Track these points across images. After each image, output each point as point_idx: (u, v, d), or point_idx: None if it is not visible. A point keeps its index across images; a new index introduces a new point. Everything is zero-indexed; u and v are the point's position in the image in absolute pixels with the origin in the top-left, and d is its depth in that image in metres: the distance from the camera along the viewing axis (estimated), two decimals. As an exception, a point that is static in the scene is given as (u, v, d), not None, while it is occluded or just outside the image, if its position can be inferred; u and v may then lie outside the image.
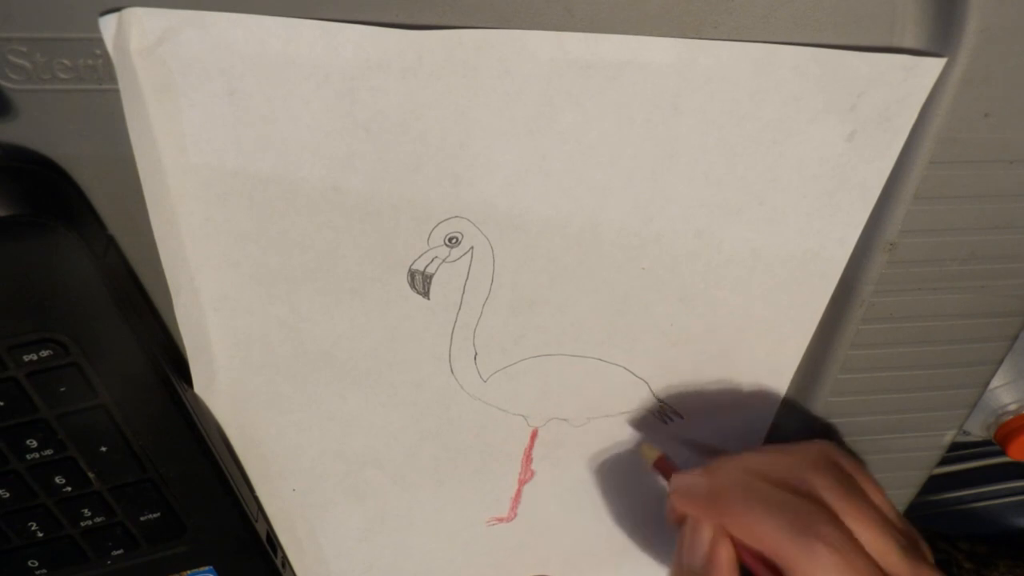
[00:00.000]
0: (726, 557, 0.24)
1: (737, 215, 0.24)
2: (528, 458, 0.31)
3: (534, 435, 0.30)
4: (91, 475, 0.26)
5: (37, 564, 0.27)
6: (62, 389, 0.24)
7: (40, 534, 0.27)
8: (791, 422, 0.30)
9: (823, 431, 0.30)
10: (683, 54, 0.21)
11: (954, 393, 0.29)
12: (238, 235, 0.23)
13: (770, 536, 0.23)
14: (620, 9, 0.21)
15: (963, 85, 0.22)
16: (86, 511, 0.27)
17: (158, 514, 0.27)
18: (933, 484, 0.48)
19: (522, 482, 0.32)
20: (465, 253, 0.24)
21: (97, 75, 0.20)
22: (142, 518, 0.27)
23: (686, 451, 0.31)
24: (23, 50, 0.20)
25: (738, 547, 0.24)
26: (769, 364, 0.29)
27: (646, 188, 0.23)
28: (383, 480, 0.31)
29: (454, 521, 0.33)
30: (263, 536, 0.30)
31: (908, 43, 0.22)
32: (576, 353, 0.28)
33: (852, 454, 0.27)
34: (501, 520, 0.34)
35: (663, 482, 0.28)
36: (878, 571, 0.23)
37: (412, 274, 0.25)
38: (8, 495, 0.26)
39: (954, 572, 0.50)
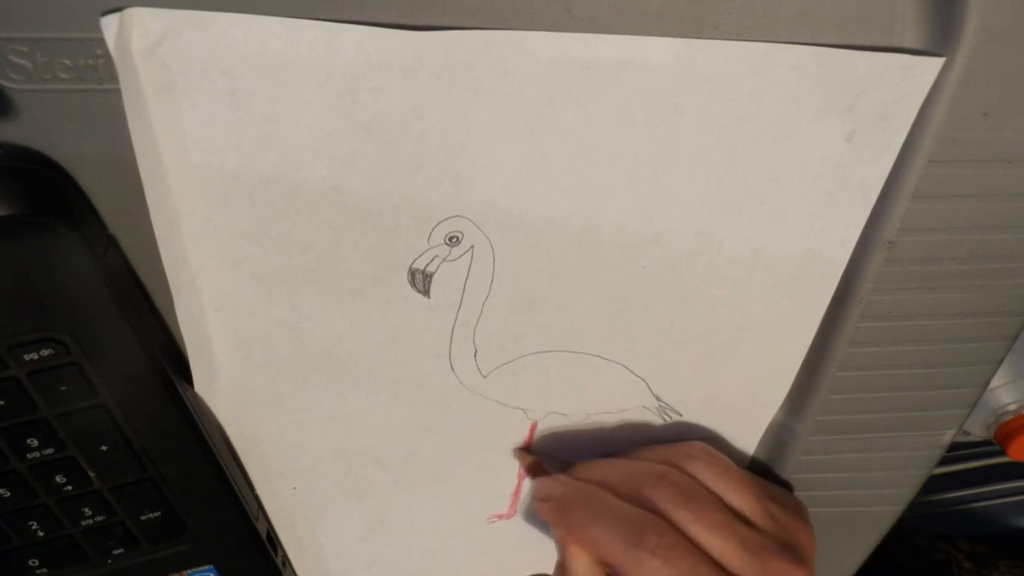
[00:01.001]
0: (579, 557, 0.26)
1: (737, 215, 0.24)
2: (528, 454, 0.31)
3: (533, 428, 0.30)
4: (92, 474, 0.26)
5: (38, 563, 0.27)
6: (63, 388, 0.24)
7: (41, 533, 0.27)
8: (790, 420, 0.30)
9: (823, 429, 0.30)
10: (682, 54, 0.21)
11: (953, 392, 0.29)
12: (239, 235, 0.23)
13: (606, 547, 0.25)
14: (620, 9, 0.21)
15: (962, 84, 0.22)
16: (87, 510, 0.27)
17: (158, 513, 0.27)
18: (933, 484, 0.48)
19: (522, 476, 0.32)
20: (465, 252, 0.24)
21: (98, 75, 0.20)
22: (143, 517, 0.27)
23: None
24: (24, 50, 0.20)
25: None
26: (770, 364, 0.29)
27: (646, 188, 0.23)
28: (383, 479, 0.31)
29: (454, 519, 0.33)
30: (263, 535, 0.30)
31: (907, 43, 0.22)
32: (576, 351, 0.28)
33: (710, 450, 0.28)
34: (501, 517, 0.34)
35: None
36: (714, 570, 0.24)
37: (413, 273, 0.25)
38: (9, 494, 0.26)
39: (954, 572, 0.50)
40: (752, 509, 0.27)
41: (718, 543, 0.25)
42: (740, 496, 0.27)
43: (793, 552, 0.26)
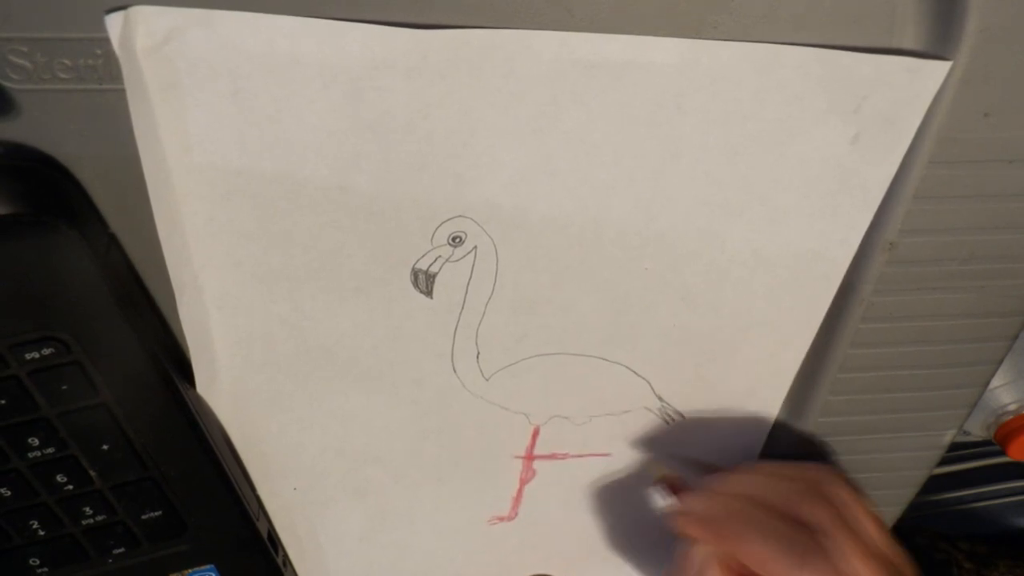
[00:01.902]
0: (716, 571, 0.26)
1: (739, 215, 0.24)
2: (530, 457, 0.31)
3: (535, 433, 0.30)
4: (92, 474, 0.26)
5: (38, 562, 0.27)
6: (64, 387, 0.24)
7: (41, 532, 0.27)
8: (791, 421, 0.30)
9: (824, 430, 0.30)
10: (687, 54, 0.21)
11: (954, 393, 0.29)
12: (242, 234, 0.23)
13: (766, 562, 0.25)
14: (620, 9, 0.21)
15: (963, 85, 0.22)
16: (87, 509, 0.27)
17: (159, 512, 0.27)
18: (933, 484, 0.48)
19: (523, 481, 0.32)
20: (468, 252, 0.25)
21: (97, 75, 0.20)
22: (143, 516, 0.27)
23: (677, 465, 0.32)
24: (24, 50, 0.20)
25: (732, 572, 0.26)
26: (771, 365, 0.29)
27: (649, 188, 0.24)
28: (384, 478, 0.31)
29: (455, 520, 0.33)
30: (264, 535, 0.30)
31: (908, 43, 0.22)
32: (578, 352, 0.28)
33: (848, 479, 0.28)
34: (502, 519, 0.34)
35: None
36: None
37: (415, 273, 0.25)
38: (10, 493, 0.26)
39: (954, 572, 0.50)
40: (883, 539, 0.27)
41: (867, 568, 0.25)
42: (874, 528, 0.27)
43: None
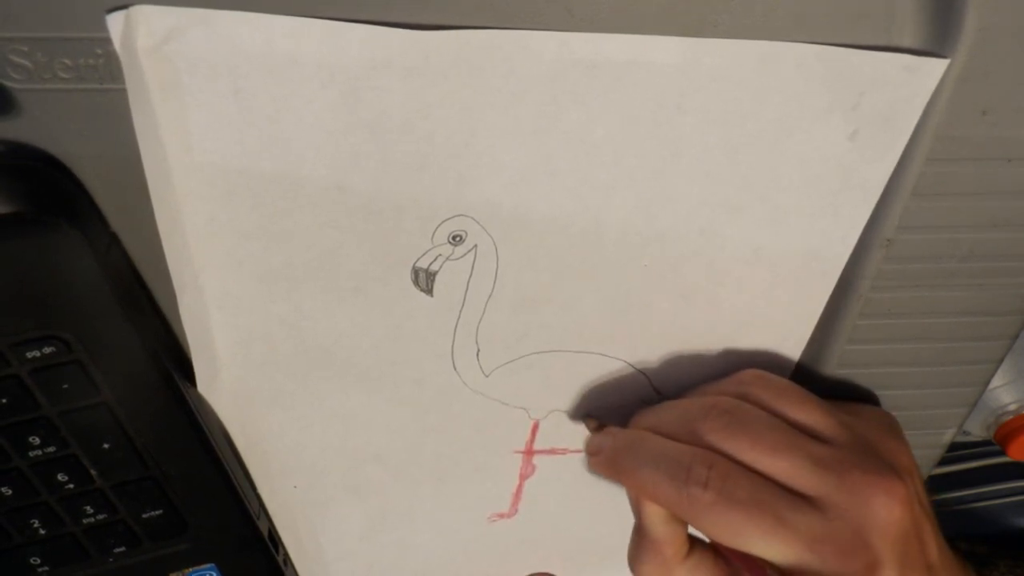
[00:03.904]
0: (652, 511, 0.25)
1: (739, 214, 0.24)
2: (530, 452, 0.31)
3: (535, 428, 0.30)
4: (93, 472, 0.26)
5: (39, 561, 0.27)
6: (64, 386, 0.24)
7: (42, 531, 0.27)
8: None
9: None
10: (687, 53, 0.21)
11: (953, 392, 0.29)
12: (242, 233, 0.23)
13: (656, 489, 0.23)
14: (619, 9, 0.21)
15: (961, 83, 0.22)
16: (88, 508, 0.27)
17: (160, 512, 0.27)
18: (933, 484, 0.48)
19: (523, 477, 0.32)
20: (469, 251, 0.25)
21: (98, 75, 0.20)
22: (144, 515, 0.27)
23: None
24: (24, 49, 0.20)
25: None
26: (768, 360, 0.29)
27: (649, 187, 0.24)
28: (385, 476, 0.31)
29: (456, 517, 0.33)
30: (265, 534, 0.30)
31: (906, 41, 0.22)
32: (578, 349, 0.28)
33: (772, 377, 0.26)
34: (503, 516, 0.34)
35: None
36: (778, 493, 0.22)
37: (416, 272, 0.25)
38: (10, 492, 0.26)
39: (954, 572, 0.50)
40: (820, 423, 0.24)
41: (783, 464, 0.22)
42: (804, 412, 0.24)
43: (878, 461, 0.23)
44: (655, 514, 0.25)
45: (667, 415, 0.26)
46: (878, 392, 0.29)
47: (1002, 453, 0.40)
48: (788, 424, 0.24)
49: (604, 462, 0.26)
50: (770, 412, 0.24)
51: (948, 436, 0.31)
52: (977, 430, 0.40)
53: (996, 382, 0.38)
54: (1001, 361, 0.29)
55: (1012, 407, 0.39)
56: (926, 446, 0.31)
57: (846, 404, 0.26)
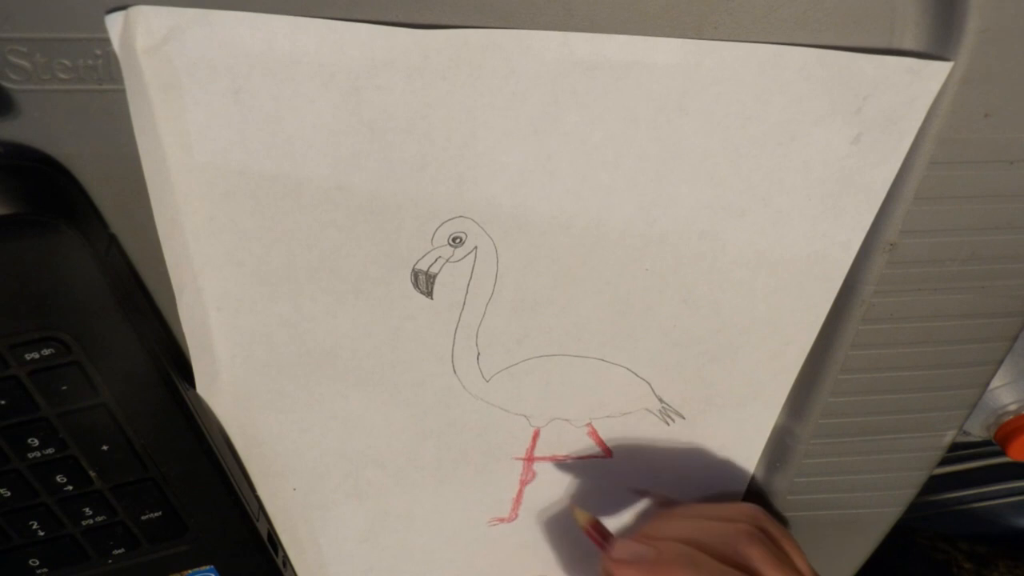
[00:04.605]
0: None
1: (741, 217, 0.24)
2: (530, 459, 0.31)
3: (536, 435, 0.30)
4: (92, 474, 0.26)
5: (38, 563, 0.27)
6: (63, 388, 0.24)
7: (41, 533, 0.27)
8: (792, 422, 0.30)
9: (824, 431, 0.30)
10: (689, 55, 0.21)
11: (954, 393, 0.29)
12: (242, 234, 0.23)
13: None
14: (619, 9, 0.21)
15: (963, 85, 0.22)
16: (87, 510, 0.27)
17: (159, 513, 0.27)
18: (933, 484, 0.48)
19: (524, 483, 0.32)
20: (469, 253, 0.24)
21: (97, 75, 0.20)
22: (143, 517, 0.27)
23: (623, 493, 0.32)
24: (23, 50, 0.20)
25: None
26: (772, 366, 0.29)
27: (650, 189, 0.23)
28: (384, 480, 0.31)
29: (455, 521, 0.33)
30: (264, 536, 0.30)
31: (908, 44, 0.22)
32: (579, 353, 0.28)
33: (772, 515, 0.30)
34: (503, 520, 0.34)
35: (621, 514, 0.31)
36: None
37: (416, 274, 0.25)
38: (9, 494, 0.26)
39: (954, 572, 0.50)
40: (806, 570, 0.28)
41: None
42: (800, 559, 0.28)
43: None
44: None
45: (702, 533, 0.28)
46: (879, 395, 0.29)
47: (1002, 453, 0.40)
48: (797, 567, 0.28)
49: (643, 572, 0.27)
50: (787, 553, 0.28)
51: (948, 437, 0.31)
52: (977, 430, 0.40)
53: (996, 383, 0.38)
54: (1001, 362, 0.29)
55: (1012, 407, 0.39)
56: (926, 447, 0.31)
57: None
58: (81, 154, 0.22)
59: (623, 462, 0.32)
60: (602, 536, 0.29)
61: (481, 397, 0.28)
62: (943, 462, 0.33)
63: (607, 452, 0.31)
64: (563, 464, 0.32)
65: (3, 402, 0.24)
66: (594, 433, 0.30)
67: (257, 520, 0.30)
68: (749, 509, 0.29)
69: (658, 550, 0.27)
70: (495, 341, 0.27)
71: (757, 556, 0.26)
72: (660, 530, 0.28)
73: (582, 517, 0.30)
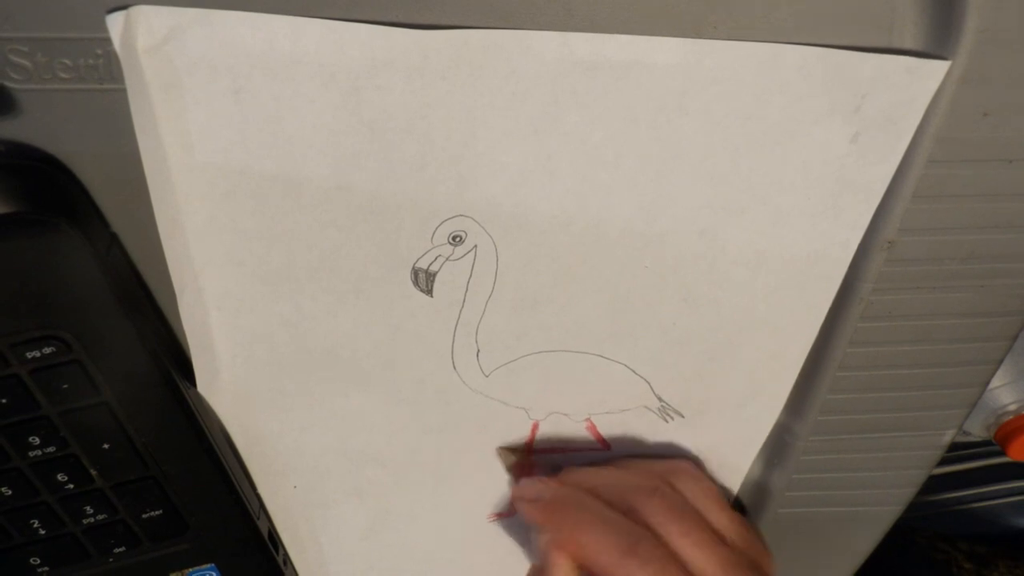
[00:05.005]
0: (560, 564, 0.27)
1: (741, 216, 0.24)
2: (529, 452, 0.31)
3: (535, 428, 0.30)
4: (93, 472, 0.26)
5: (39, 561, 0.27)
6: (64, 386, 0.24)
7: (42, 531, 0.27)
8: (791, 420, 0.30)
9: (823, 429, 0.30)
10: (688, 54, 0.21)
11: (953, 393, 0.29)
12: (243, 233, 0.23)
13: (597, 554, 0.25)
14: (619, 9, 0.21)
15: (962, 85, 0.22)
16: (88, 508, 0.27)
17: (160, 512, 0.27)
18: (933, 484, 0.48)
19: (524, 476, 0.32)
20: (469, 251, 0.25)
21: (98, 75, 0.21)
22: (144, 516, 0.27)
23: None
24: (24, 50, 0.20)
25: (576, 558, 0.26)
26: (771, 365, 0.29)
27: (650, 188, 0.24)
28: (385, 478, 0.31)
29: (456, 518, 0.33)
30: (265, 534, 0.30)
31: (907, 43, 0.22)
32: (578, 350, 0.28)
33: (697, 469, 0.30)
34: (503, 516, 0.34)
35: None
36: None
37: (416, 272, 0.25)
38: (10, 492, 0.26)
39: (954, 572, 0.50)
40: (729, 528, 0.28)
41: (701, 560, 0.26)
42: (720, 515, 0.28)
43: (760, 572, 0.27)
44: (565, 567, 0.27)
45: (608, 482, 0.28)
46: (878, 393, 0.29)
47: (1002, 453, 0.40)
48: (708, 523, 0.28)
49: (541, 511, 0.27)
50: (696, 508, 0.28)
51: (948, 437, 0.31)
52: (977, 430, 0.40)
53: (996, 382, 0.38)
54: (1001, 362, 0.29)
55: (1012, 407, 0.39)
56: (926, 446, 0.31)
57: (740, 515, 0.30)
58: (82, 153, 0.22)
59: (621, 456, 0.32)
60: (523, 476, 0.30)
61: (480, 391, 0.28)
62: (943, 462, 0.33)
63: (605, 446, 0.31)
64: (562, 458, 0.32)
65: (4, 401, 0.24)
66: (593, 428, 0.31)
67: (258, 518, 0.30)
68: (671, 464, 0.29)
69: (555, 491, 0.28)
70: (495, 338, 0.27)
71: (651, 508, 0.26)
72: (571, 476, 0.29)
73: (506, 458, 0.30)
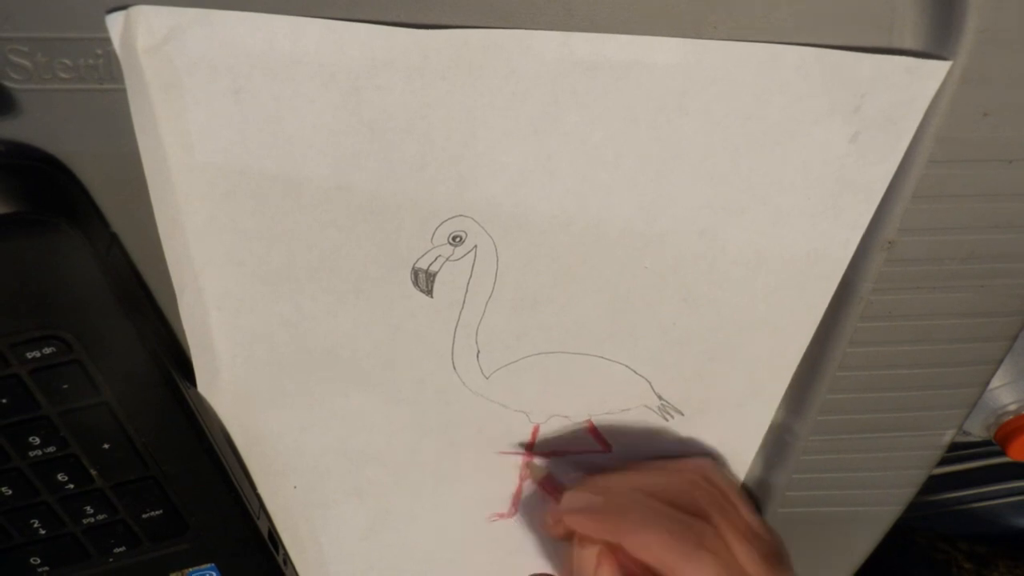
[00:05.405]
0: (610, 574, 0.27)
1: (740, 216, 0.24)
2: (530, 455, 0.31)
3: (535, 432, 0.30)
4: (93, 472, 0.26)
5: (39, 561, 0.27)
6: (65, 386, 0.24)
7: (42, 531, 0.27)
8: (790, 419, 0.30)
9: (822, 429, 0.30)
10: (688, 54, 0.21)
11: (953, 393, 0.29)
12: (243, 233, 0.23)
13: (663, 550, 0.26)
14: (619, 9, 0.21)
15: (962, 85, 0.22)
16: (88, 508, 0.27)
17: (160, 512, 0.27)
18: (933, 484, 0.48)
19: (523, 479, 0.32)
20: (469, 251, 0.25)
21: (98, 75, 0.21)
22: (144, 516, 0.27)
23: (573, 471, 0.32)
24: (24, 50, 0.20)
25: (625, 564, 0.27)
26: (769, 363, 0.29)
27: (650, 188, 0.24)
28: (385, 478, 0.31)
29: (456, 518, 0.33)
30: (265, 534, 0.30)
31: (907, 43, 0.22)
32: (578, 351, 0.28)
33: (723, 467, 0.30)
34: (503, 516, 0.34)
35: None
36: (745, 572, 0.26)
37: (416, 272, 0.25)
38: (11, 492, 0.26)
39: (954, 572, 0.50)
40: (755, 522, 0.29)
41: (746, 550, 0.27)
42: (746, 509, 0.29)
43: (788, 562, 0.28)
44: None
45: (649, 481, 0.29)
46: (877, 393, 0.29)
47: (1002, 453, 0.40)
48: (742, 516, 0.28)
49: (598, 520, 0.28)
50: (732, 502, 0.29)
51: (948, 437, 0.31)
52: (977, 430, 0.40)
53: (996, 382, 0.38)
54: (1001, 362, 0.29)
55: (1012, 407, 0.39)
56: (926, 446, 0.31)
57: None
58: (82, 153, 0.22)
59: (622, 457, 0.32)
60: (555, 489, 0.30)
61: (481, 393, 0.28)
62: (943, 462, 0.33)
63: (606, 447, 0.32)
64: (563, 460, 0.32)
65: (4, 400, 0.24)
66: (593, 429, 0.31)
67: (258, 518, 0.30)
68: (697, 462, 0.30)
69: (607, 497, 0.28)
70: (495, 339, 0.27)
71: (705, 501, 0.27)
72: (611, 481, 0.29)
73: (536, 472, 0.30)
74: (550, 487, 0.30)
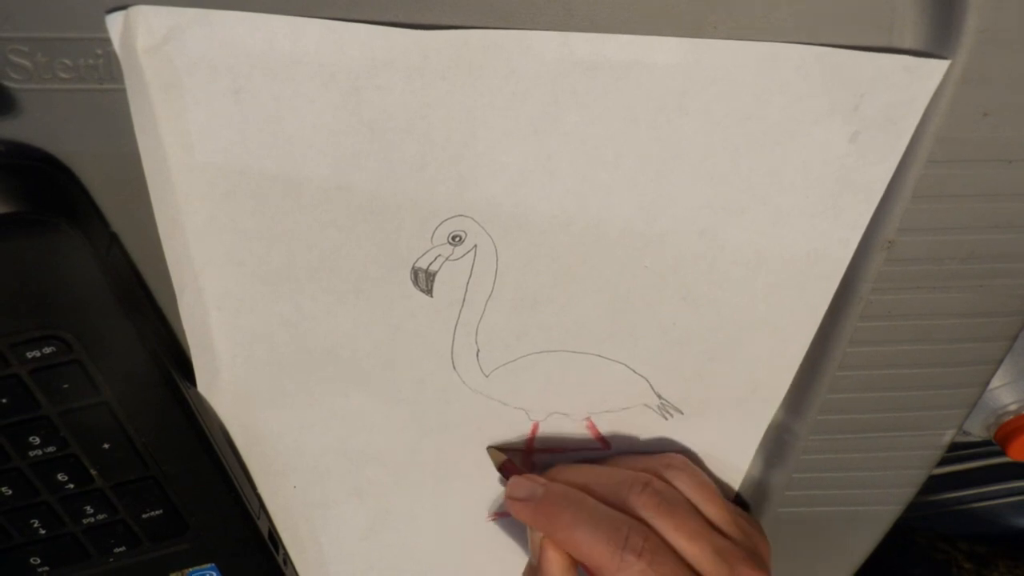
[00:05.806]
0: (556, 560, 0.27)
1: (740, 215, 0.24)
2: (529, 452, 0.31)
3: (535, 428, 0.30)
4: (93, 472, 0.26)
5: (39, 561, 0.27)
6: (65, 386, 0.24)
7: (42, 531, 0.27)
8: (790, 419, 0.30)
9: (822, 428, 0.30)
10: (688, 54, 0.21)
11: (953, 392, 0.29)
12: (243, 233, 0.23)
13: (591, 549, 0.26)
14: (619, 9, 0.21)
15: (962, 84, 0.22)
16: (88, 508, 0.27)
17: (160, 511, 0.27)
18: (933, 484, 0.48)
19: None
20: (468, 251, 0.25)
21: (98, 75, 0.21)
22: (144, 515, 0.27)
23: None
24: (24, 50, 0.20)
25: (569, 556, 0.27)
26: (770, 363, 0.29)
27: (650, 188, 0.24)
28: (385, 478, 0.31)
29: (456, 518, 0.33)
30: (265, 534, 0.30)
31: (907, 43, 0.22)
32: (578, 350, 0.28)
33: (689, 464, 0.30)
34: (502, 515, 0.34)
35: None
36: (690, 573, 0.26)
37: (415, 272, 0.25)
38: (11, 492, 0.26)
39: (954, 572, 0.50)
40: (723, 519, 0.28)
41: (695, 550, 0.26)
42: (714, 507, 0.28)
43: (758, 559, 0.28)
44: (559, 565, 0.27)
45: (599, 479, 0.28)
46: (877, 393, 0.29)
47: (1002, 453, 0.40)
48: (700, 514, 0.28)
49: (534, 511, 0.28)
50: (688, 500, 0.28)
51: (948, 437, 0.31)
52: (977, 430, 0.40)
53: (996, 382, 0.38)
54: (1001, 362, 0.29)
55: (1012, 407, 0.39)
56: (926, 446, 0.31)
57: (735, 506, 0.31)
58: (82, 153, 0.22)
59: (620, 455, 0.32)
60: (515, 473, 0.30)
61: (480, 391, 0.28)
62: (943, 462, 0.33)
63: (605, 445, 0.32)
64: (562, 457, 0.32)
65: (4, 400, 0.24)
66: (593, 427, 0.31)
67: (258, 518, 0.30)
68: (665, 458, 0.30)
69: (547, 489, 0.28)
70: (495, 338, 0.27)
71: (641, 503, 0.27)
72: (561, 473, 0.29)
73: (496, 458, 0.31)
74: (508, 472, 0.30)
